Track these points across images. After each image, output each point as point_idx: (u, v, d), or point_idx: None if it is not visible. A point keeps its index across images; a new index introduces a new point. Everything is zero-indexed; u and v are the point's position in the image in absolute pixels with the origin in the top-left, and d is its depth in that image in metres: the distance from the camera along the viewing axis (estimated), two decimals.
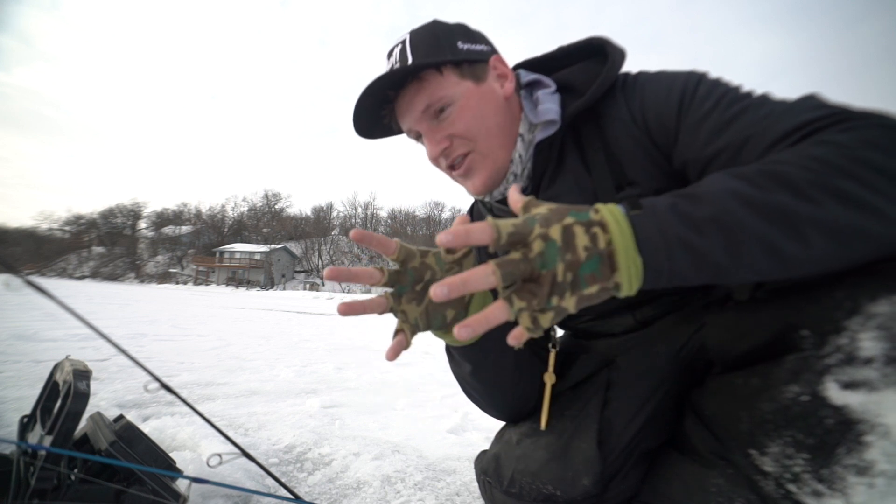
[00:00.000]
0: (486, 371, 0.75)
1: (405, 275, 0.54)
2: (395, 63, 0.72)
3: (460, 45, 0.71)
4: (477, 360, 0.73)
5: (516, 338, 0.42)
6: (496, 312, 0.42)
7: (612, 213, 0.43)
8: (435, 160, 0.75)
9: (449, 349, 0.76)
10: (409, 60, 0.69)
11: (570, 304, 0.41)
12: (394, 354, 0.51)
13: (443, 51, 0.70)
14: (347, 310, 0.49)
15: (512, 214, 0.83)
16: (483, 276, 0.41)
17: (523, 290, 0.42)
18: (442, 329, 0.59)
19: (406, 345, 0.52)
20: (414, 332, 0.54)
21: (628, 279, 0.41)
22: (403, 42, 0.72)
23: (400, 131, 0.80)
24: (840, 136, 0.46)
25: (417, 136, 0.77)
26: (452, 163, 0.74)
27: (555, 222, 0.42)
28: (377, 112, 0.75)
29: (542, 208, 0.45)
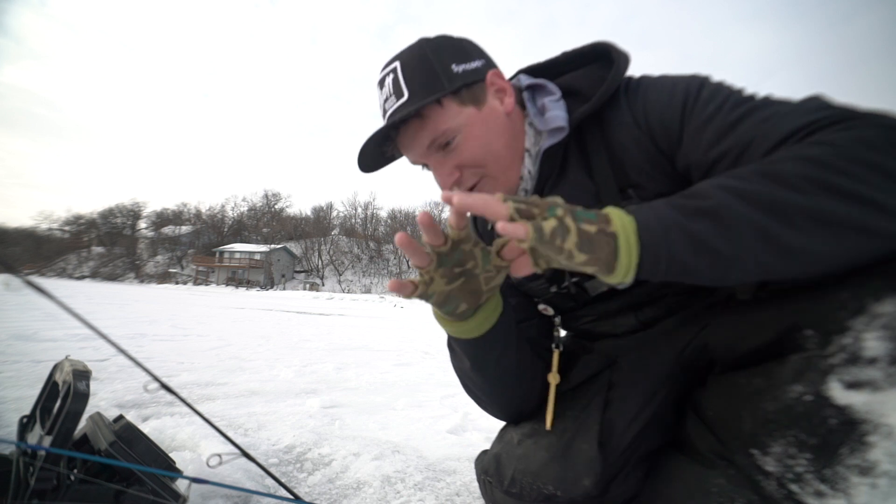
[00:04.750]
0: (487, 368, 0.75)
1: (454, 253, 0.55)
2: (390, 94, 0.69)
3: (454, 67, 0.68)
4: (478, 355, 0.73)
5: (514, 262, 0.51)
6: (494, 204, 0.46)
7: (614, 210, 0.48)
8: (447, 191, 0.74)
9: (450, 343, 0.75)
10: (405, 92, 0.67)
11: (571, 225, 0.45)
12: (398, 286, 0.54)
13: (438, 80, 0.67)
14: (406, 242, 0.52)
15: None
16: (495, 201, 0.46)
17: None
18: (450, 315, 0.63)
19: (411, 293, 0.55)
20: (422, 296, 0.56)
21: (626, 242, 0.45)
22: (395, 70, 0.69)
23: (401, 156, 0.79)
24: (836, 136, 0.47)
25: (424, 166, 0.75)
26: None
27: (561, 206, 0.47)
28: (379, 151, 0.74)
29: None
